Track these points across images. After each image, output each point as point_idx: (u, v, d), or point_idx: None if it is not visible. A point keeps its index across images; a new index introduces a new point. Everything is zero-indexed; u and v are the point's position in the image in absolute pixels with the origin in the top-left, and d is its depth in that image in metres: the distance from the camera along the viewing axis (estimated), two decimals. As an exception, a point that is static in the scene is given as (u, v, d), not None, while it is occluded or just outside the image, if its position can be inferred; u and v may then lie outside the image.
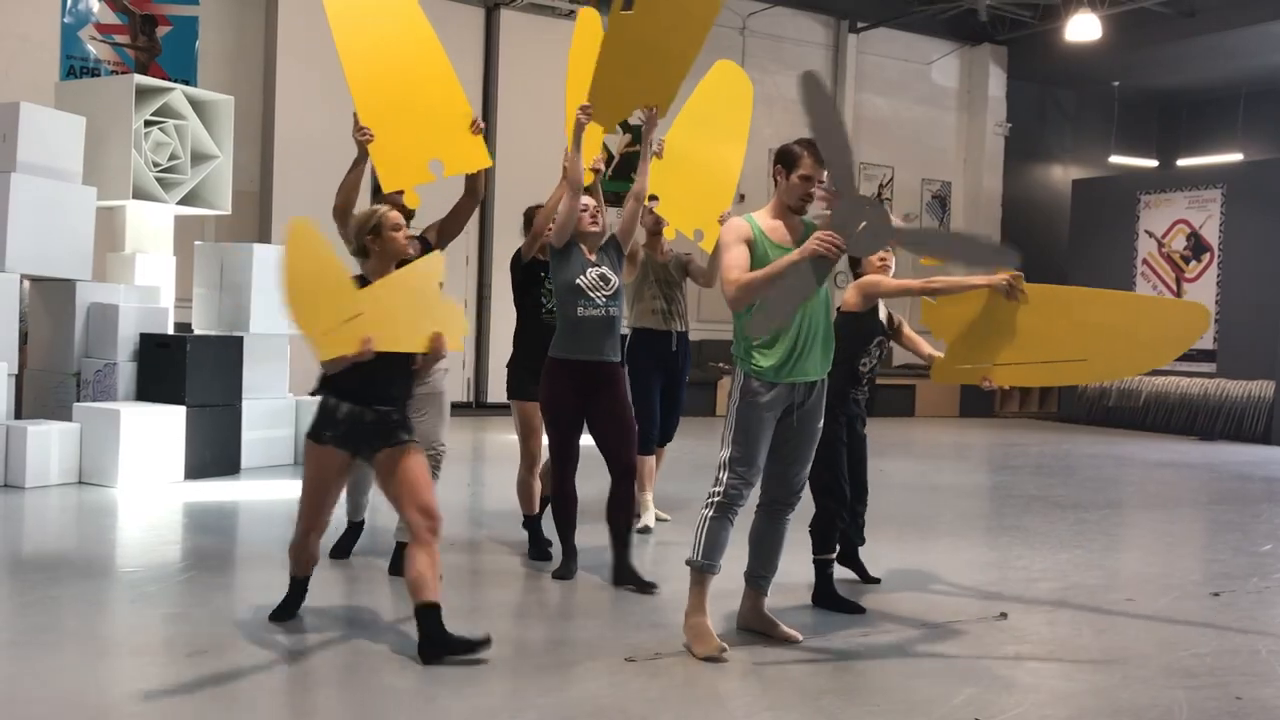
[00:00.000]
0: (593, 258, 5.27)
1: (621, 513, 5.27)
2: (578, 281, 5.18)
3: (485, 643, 4.04)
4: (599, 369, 5.22)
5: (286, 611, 4.57)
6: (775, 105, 14.66)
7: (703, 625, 4.25)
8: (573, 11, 14.15)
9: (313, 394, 4.38)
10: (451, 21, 13.84)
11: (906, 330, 5.39)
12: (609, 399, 5.26)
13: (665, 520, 6.90)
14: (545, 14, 14.21)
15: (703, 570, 4.31)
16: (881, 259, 5.13)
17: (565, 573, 5.43)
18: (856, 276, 5.18)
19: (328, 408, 4.23)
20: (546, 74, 14.01)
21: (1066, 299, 5.06)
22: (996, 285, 4.80)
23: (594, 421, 5.28)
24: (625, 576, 5.25)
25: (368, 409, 4.20)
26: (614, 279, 5.27)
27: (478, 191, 5.58)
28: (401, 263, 4.35)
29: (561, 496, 5.39)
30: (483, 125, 5.51)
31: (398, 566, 5.12)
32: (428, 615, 4.03)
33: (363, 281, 4.26)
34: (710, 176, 6.40)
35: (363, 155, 5.30)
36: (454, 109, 5.46)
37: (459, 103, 5.50)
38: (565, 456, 5.32)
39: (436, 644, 4.01)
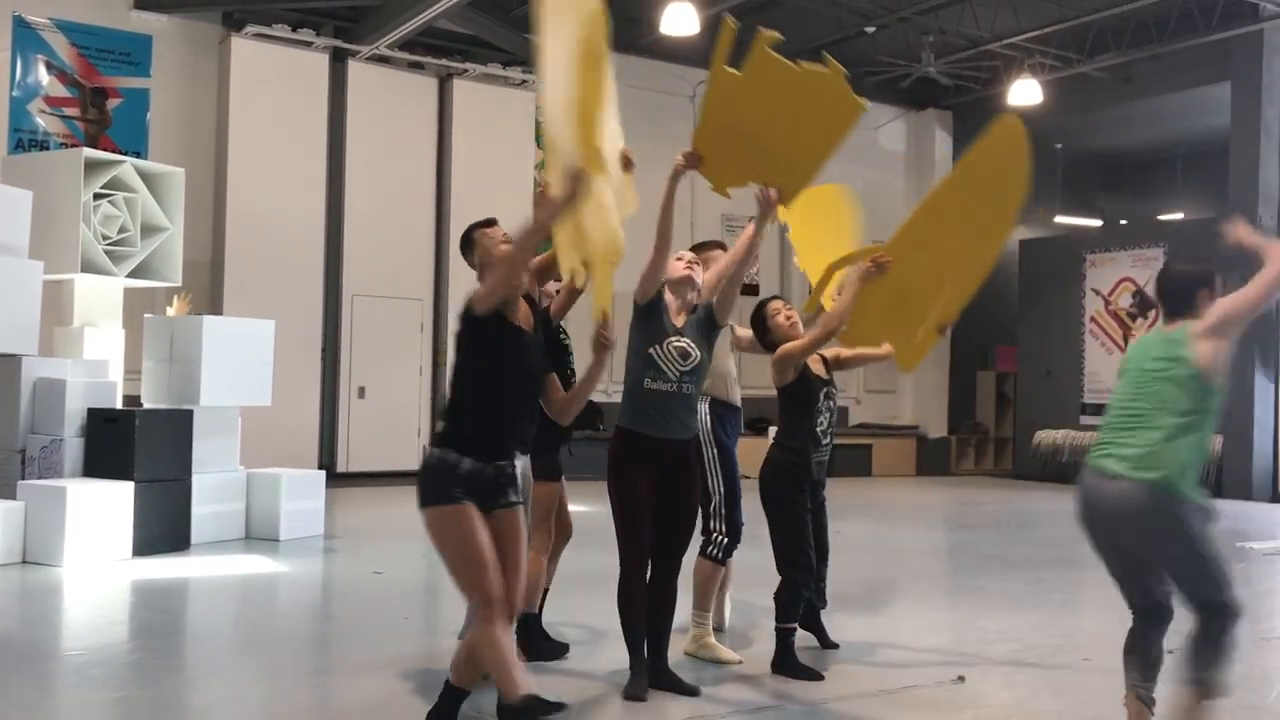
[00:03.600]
0: (679, 322, 4.66)
1: (668, 605, 4.68)
2: (650, 352, 4.58)
3: None
4: (666, 448, 4.59)
5: None
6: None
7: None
8: (524, 81, 14.33)
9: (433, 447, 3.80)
10: (406, 91, 13.97)
11: (847, 354, 5.38)
12: (672, 484, 4.59)
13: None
14: (496, 83, 14.37)
15: None
16: (788, 318, 5.23)
17: (638, 691, 4.56)
18: (770, 349, 5.21)
19: (448, 464, 3.71)
20: (497, 140, 14.23)
21: (916, 229, 5.01)
22: (868, 276, 4.94)
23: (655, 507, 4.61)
24: (662, 681, 4.65)
25: (488, 464, 3.78)
26: (694, 355, 4.59)
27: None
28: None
29: (630, 595, 4.61)
30: (632, 161, 4.49)
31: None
32: (453, 695, 3.83)
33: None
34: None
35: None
36: (615, 145, 4.36)
37: (617, 137, 4.42)
38: (637, 544, 4.58)
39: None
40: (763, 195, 4.47)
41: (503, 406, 3.81)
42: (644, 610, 4.59)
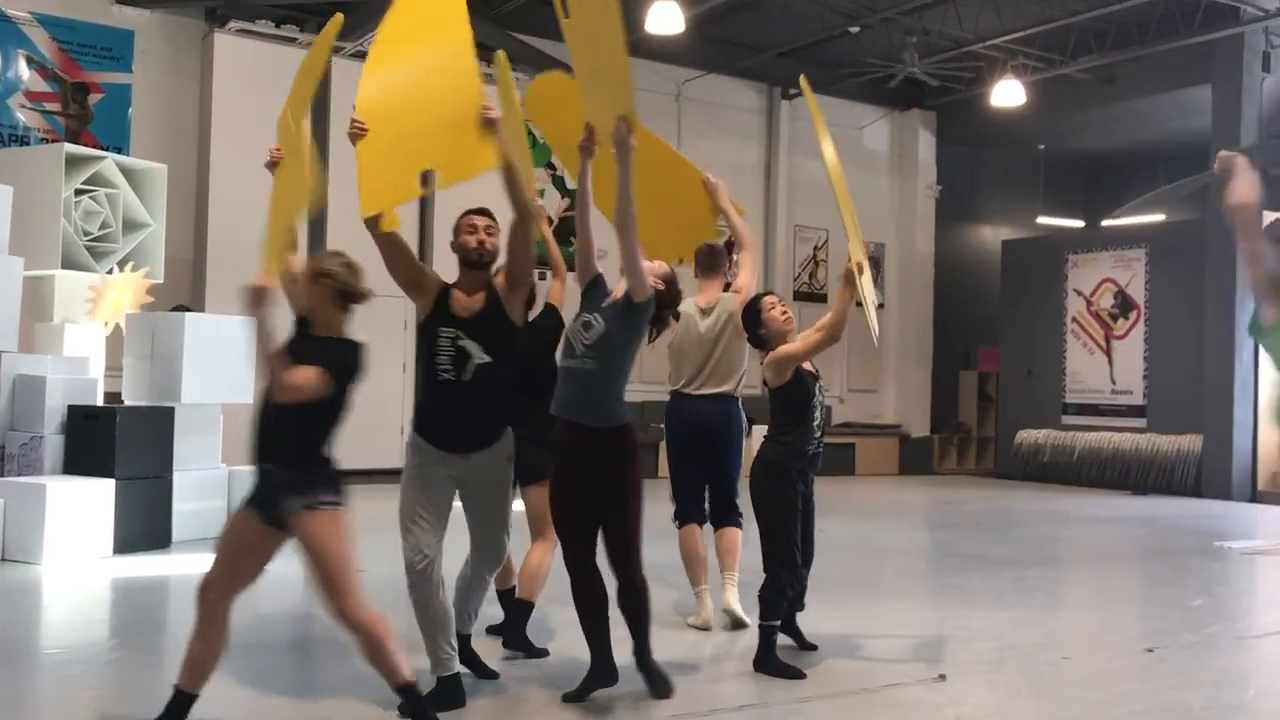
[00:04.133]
0: (605, 303, 4.51)
1: (630, 604, 4.51)
2: (566, 330, 4.56)
3: None
4: (581, 434, 4.42)
5: None
6: (710, 170, 14.81)
7: None
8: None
9: None
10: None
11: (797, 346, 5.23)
12: (601, 478, 4.45)
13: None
14: (481, 81, 14.12)
15: None
16: (784, 312, 5.22)
17: (577, 694, 4.46)
18: (766, 349, 5.20)
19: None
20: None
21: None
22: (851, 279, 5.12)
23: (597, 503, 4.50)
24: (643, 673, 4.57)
25: (257, 466, 3.67)
26: (597, 326, 4.42)
27: (525, 207, 4.45)
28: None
29: (574, 587, 4.53)
30: (494, 115, 4.37)
31: None
32: (406, 693, 3.93)
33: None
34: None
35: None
36: (460, 102, 4.32)
37: (468, 95, 4.36)
38: (564, 537, 4.54)
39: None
40: (616, 134, 4.32)
41: (261, 410, 3.86)
42: (592, 609, 4.47)
